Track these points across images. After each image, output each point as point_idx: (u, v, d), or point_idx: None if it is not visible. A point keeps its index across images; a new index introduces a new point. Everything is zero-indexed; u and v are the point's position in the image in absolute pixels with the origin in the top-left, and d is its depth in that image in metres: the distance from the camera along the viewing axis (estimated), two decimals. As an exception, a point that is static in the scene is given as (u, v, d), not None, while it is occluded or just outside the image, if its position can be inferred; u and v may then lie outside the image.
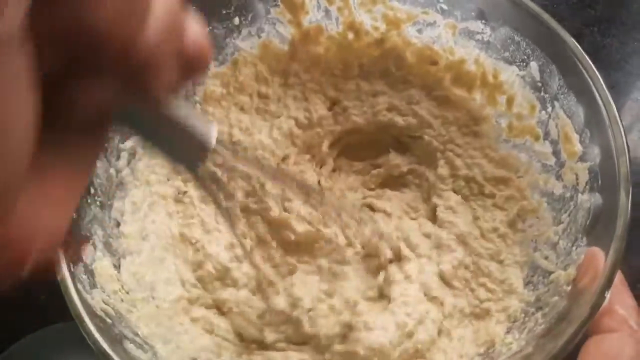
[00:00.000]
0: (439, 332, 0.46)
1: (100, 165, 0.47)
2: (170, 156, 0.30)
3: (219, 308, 0.48)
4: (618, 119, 0.42)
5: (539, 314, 0.41)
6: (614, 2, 0.81)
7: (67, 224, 0.21)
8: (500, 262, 0.48)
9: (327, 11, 0.54)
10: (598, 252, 0.38)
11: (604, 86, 0.43)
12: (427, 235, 0.51)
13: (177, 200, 0.52)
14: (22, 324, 0.56)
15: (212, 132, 0.29)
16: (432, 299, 0.48)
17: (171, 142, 0.29)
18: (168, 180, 0.52)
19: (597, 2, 0.79)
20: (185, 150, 0.30)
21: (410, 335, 0.45)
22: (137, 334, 0.41)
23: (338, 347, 0.44)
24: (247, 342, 0.47)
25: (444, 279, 0.49)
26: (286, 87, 0.57)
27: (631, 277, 0.39)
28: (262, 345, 0.46)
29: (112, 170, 0.48)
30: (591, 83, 0.43)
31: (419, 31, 0.54)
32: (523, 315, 0.43)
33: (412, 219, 0.54)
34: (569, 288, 0.40)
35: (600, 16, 0.77)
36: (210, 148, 0.29)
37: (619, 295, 0.36)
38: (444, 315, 0.47)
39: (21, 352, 0.54)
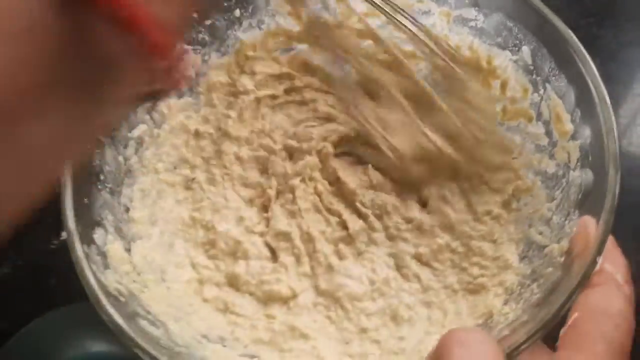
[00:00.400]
0: (428, 305, 0.48)
1: (108, 153, 0.48)
2: None
3: (233, 285, 0.49)
4: (607, 98, 0.43)
5: (534, 285, 0.43)
6: (610, -8, 0.81)
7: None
8: (494, 241, 0.49)
9: (325, 3, 0.56)
10: (589, 220, 0.39)
11: (592, 66, 0.44)
12: (408, 220, 0.52)
13: (187, 188, 0.53)
14: (32, 307, 0.57)
15: None
16: (404, 274, 0.50)
17: None
18: (175, 168, 0.54)
19: (594, -7, 0.80)
20: None
21: (381, 293, 0.48)
22: (149, 312, 0.42)
23: (323, 285, 0.49)
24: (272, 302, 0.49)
25: (420, 261, 0.50)
26: None
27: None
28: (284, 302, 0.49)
29: (120, 158, 0.50)
30: (580, 64, 0.45)
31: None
32: (519, 287, 0.45)
33: (402, 199, 0.55)
34: (563, 259, 0.41)
35: (596, 7, 0.78)
36: None
37: (610, 255, 0.38)
38: (423, 288, 0.49)
39: (31, 335, 0.55)
